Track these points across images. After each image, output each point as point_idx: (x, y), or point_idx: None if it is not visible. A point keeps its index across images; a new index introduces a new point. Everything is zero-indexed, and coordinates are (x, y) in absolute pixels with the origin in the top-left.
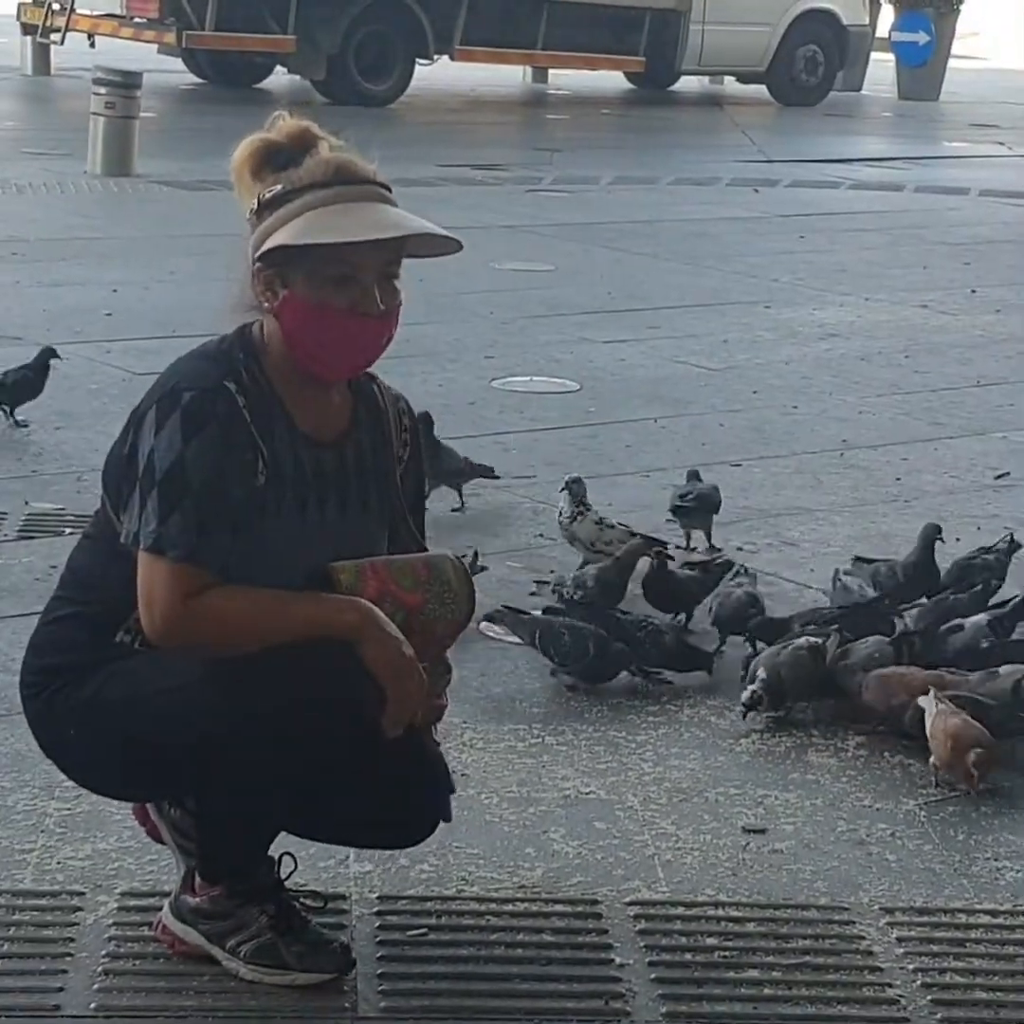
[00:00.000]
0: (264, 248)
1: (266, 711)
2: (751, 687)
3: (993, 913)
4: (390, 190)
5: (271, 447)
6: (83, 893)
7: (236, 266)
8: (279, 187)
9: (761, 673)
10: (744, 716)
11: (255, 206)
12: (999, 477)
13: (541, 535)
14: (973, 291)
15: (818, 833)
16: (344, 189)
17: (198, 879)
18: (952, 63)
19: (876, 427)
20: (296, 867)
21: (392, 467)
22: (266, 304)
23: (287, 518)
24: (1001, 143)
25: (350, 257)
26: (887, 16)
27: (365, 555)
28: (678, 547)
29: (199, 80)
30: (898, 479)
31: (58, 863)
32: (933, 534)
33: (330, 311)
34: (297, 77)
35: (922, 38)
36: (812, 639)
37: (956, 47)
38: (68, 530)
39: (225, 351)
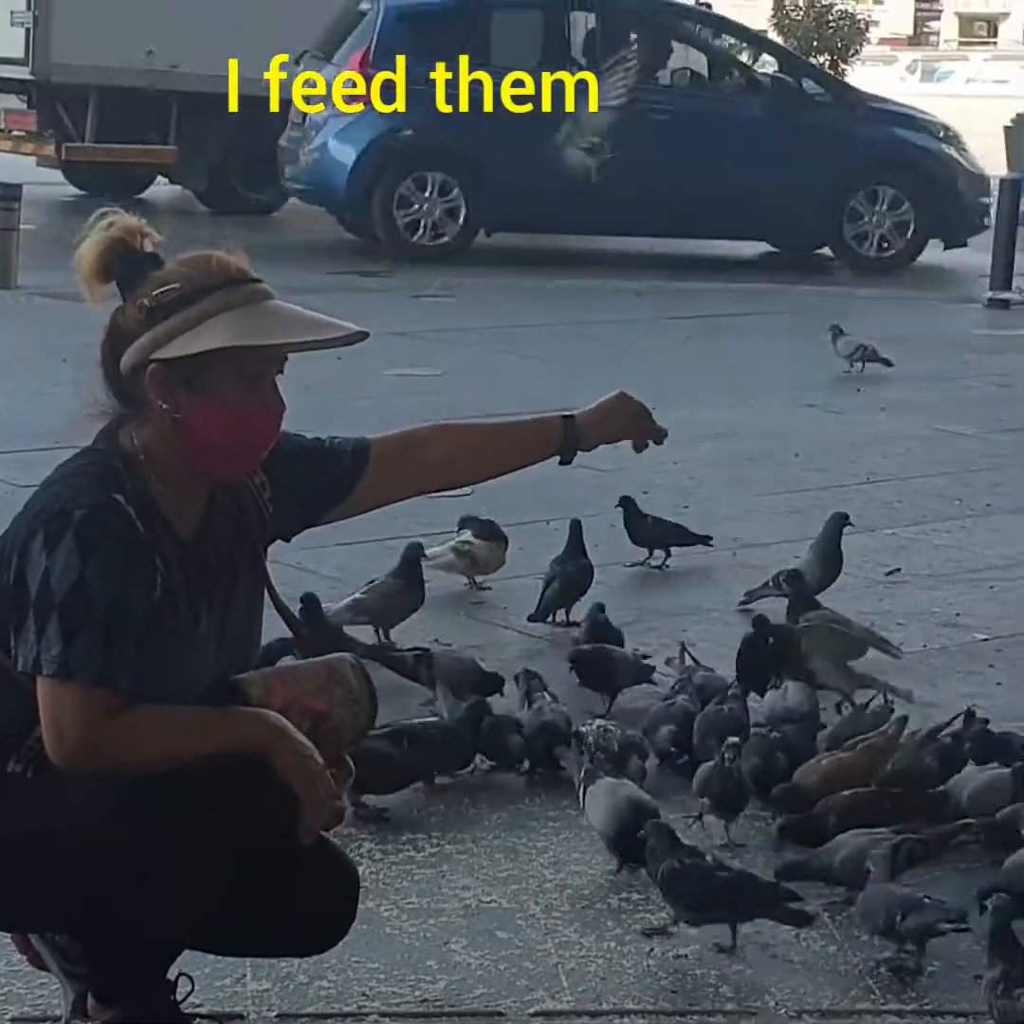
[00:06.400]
0: (186, 352)
1: (189, 829)
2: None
3: (900, 1013)
4: None
5: (164, 557)
6: None
7: (88, 372)
8: (176, 286)
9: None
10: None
11: (144, 307)
12: (890, 573)
13: (436, 641)
14: (859, 390)
15: (722, 937)
16: (255, 288)
17: (91, 1001)
18: None
19: (767, 525)
20: (193, 987)
21: (256, 528)
22: (166, 406)
23: (182, 627)
24: None
25: (267, 356)
26: None
27: (245, 645)
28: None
29: (79, 191)
30: None
31: None
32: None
33: (246, 411)
34: (179, 187)
35: None
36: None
37: None
38: None
39: (103, 464)
